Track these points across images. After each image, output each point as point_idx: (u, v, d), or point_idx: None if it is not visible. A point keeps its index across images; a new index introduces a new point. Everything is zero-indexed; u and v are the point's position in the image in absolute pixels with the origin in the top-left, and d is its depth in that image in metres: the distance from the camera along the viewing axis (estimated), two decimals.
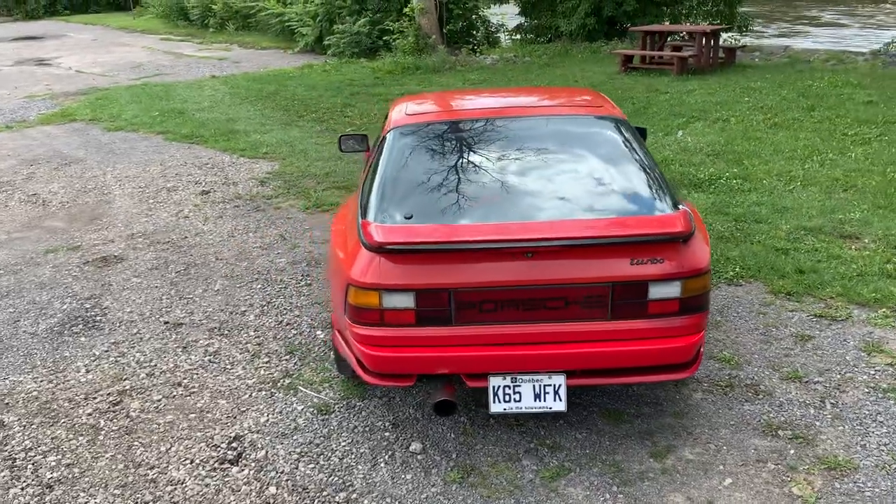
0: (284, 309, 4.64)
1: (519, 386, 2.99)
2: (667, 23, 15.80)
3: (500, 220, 3.04)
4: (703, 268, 2.90)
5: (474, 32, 16.90)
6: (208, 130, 9.46)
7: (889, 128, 7.97)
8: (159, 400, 3.68)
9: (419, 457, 3.20)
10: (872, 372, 3.64)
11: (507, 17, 18.60)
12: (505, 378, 2.99)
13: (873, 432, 3.20)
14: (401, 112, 3.90)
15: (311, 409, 3.56)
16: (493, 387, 2.99)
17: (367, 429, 3.40)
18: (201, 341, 4.27)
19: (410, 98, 4.38)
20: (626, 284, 2.86)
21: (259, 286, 5.00)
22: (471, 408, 3.49)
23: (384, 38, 16.52)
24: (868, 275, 4.60)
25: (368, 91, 12.02)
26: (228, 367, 3.99)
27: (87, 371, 3.99)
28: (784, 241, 5.13)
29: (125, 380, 3.88)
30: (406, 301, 2.90)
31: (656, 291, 2.88)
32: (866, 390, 3.50)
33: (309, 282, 5.03)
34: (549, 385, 2.99)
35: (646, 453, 3.16)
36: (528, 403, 3.00)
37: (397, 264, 2.88)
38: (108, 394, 3.75)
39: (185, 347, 4.21)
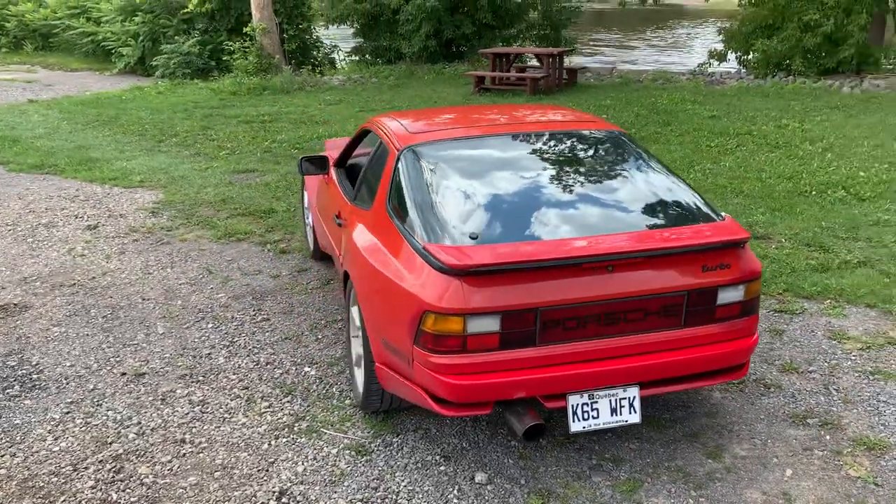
0: (254, 348, 4.26)
1: (596, 402, 2.96)
2: (500, 45, 16.47)
3: (561, 235, 3.00)
4: (760, 271, 3.04)
5: (314, 53, 16.63)
6: (61, 159, 8.53)
7: (742, 139, 8.84)
8: (170, 461, 3.23)
9: (489, 487, 3.06)
10: (852, 357, 3.99)
11: (338, 38, 18.51)
12: (582, 395, 2.94)
13: (885, 412, 3.51)
14: (401, 130, 3.75)
15: (348, 452, 3.30)
16: (572, 405, 2.94)
17: (419, 465, 3.20)
18: (178, 391, 3.82)
19: (386, 116, 4.21)
20: (700, 291, 2.93)
21: (210, 325, 4.56)
22: (504, 429, 3.39)
23: (217, 59, 15.82)
24: (799, 271, 5.05)
25: (221, 113, 11.43)
26: (227, 416, 3.59)
27: (56, 438, 3.42)
28: None
29: (112, 443, 3.37)
30: (491, 324, 2.77)
31: (724, 296, 2.97)
32: (856, 375, 3.83)
33: (266, 316, 4.66)
34: (625, 398, 2.98)
35: (701, 455, 3.24)
36: (605, 419, 2.97)
37: (482, 287, 2.75)
38: (101, 461, 3.24)
39: (163, 400, 3.73)
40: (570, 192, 3.28)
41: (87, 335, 4.45)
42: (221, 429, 3.48)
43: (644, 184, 3.37)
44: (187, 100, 12.67)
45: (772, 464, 3.18)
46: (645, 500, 2.98)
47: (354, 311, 3.69)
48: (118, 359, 4.16)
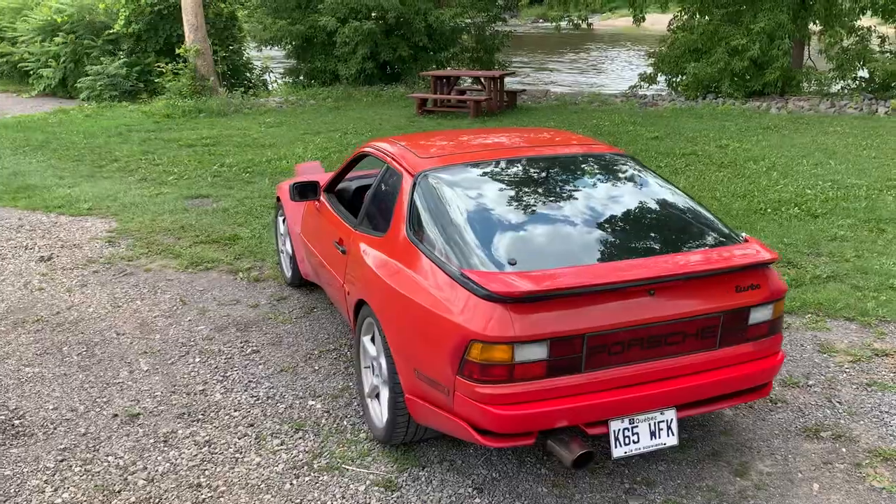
0: (249, 382, 4.09)
1: (636, 427, 2.95)
2: (434, 68, 16.55)
3: (595, 259, 3.00)
4: (785, 289, 3.11)
5: (248, 75, 16.32)
6: None
7: (689, 159, 9.12)
8: None
9: None
10: (845, 370, 4.13)
11: (268, 60, 18.24)
12: (623, 420, 2.93)
13: (890, 423, 3.63)
14: (410, 155, 3.68)
15: (376, 488, 3.18)
16: (614, 431, 2.92)
17: (452, 499, 3.12)
18: (180, 431, 3.61)
19: (384, 141, 4.14)
20: (734, 312, 2.97)
21: (197, 360, 4.35)
22: (532, 457, 3.36)
23: (146, 80, 15.35)
24: None
25: (159, 137, 11.06)
26: (238, 456, 3.41)
27: (56, 489, 3.18)
28: None
29: (121, 492, 3.15)
30: (539, 352, 2.73)
31: (755, 316, 3.02)
32: (854, 387, 3.96)
33: (255, 348, 4.48)
34: (663, 421, 2.98)
35: (729, 473, 3.28)
36: (645, 443, 2.96)
37: (530, 313, 2.71)
38: None
39: (165, 441, 3.53)
40: (595, 215, 3.28)
41: (65, 375, 4.18)
42: (236, 470, 3.31)
43: (664, 207, 3.41)
44: (119, 123, 12.21)
45: (797, 479, 3.24)
46: None
47: (367, 340, 3.59)
48: (105, 399, 3.92)
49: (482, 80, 13.01)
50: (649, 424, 2.97)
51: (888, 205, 7.00)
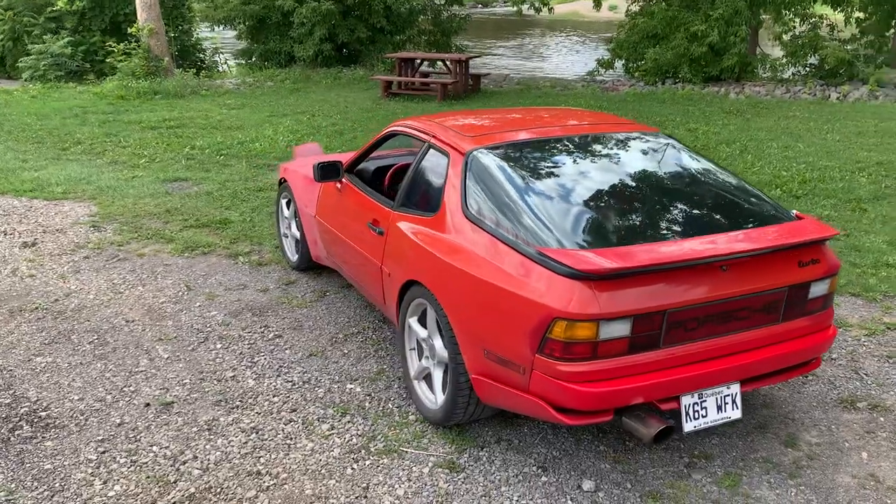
0: (280, 367, 3.98)
1: (705, 401, 2.98)
2: (391, 50, 16.37)
3: (663, 237, 3.01)
4: (839, 265, 3.19)
5: (200, 56, 15.85)
6: None
7: None
8: (255, 496, 2.94)
9: (600, 494, 3.01)
10: (864, 344, 4.26)
11: (217, 41, 17.78)
12: (693, 395, 2.96)
13: None
14: (455, 133, 3.62)
15: (440, 470, 3.14)
16: (685, 406, 2.95)
17: (519, 478, 3.10)
18: (221, 419, 3.49)
19: (416, 119, 4.07)
20: (797, 287, 3.02)
21: (218, 346, 4.21)
22: (588, 434, 3.37)
23: (92, 61, 14.76)
24: None
25: (119, 119, 10.66)
26: (290, 442, 3.32)
27: (105, 482, 3.03)
28: None
29: (176, 482, 3.03)
30: (623, 329, 2.73)
31: (814, 290, 3.09)
32: (876, 359, 4.10)
33: (277, 333, 4.37)
34: (728, 395, 3.03)
35: (779, 444, 3.35)
36: (712, 417, 3.00)
37: (614, 290, 2.71)
38: (176, 502, 2.90)
39: (209, 429, 3.40)
40: (654, 193, 3.30)
41: (82, 364, 3.99)
42: (291, 456, 3.22)
43: (718, 185, 3.45)
44: (72, 104, 11.71)
45: (845, 448, 3.33)
46: (751, 493, 3.03)
47: (413, 322, 3.53)
48: (132, 388, 3.76)
49: (448, 63, 12.93)
50: (716, 399, 3.01)
51: (863, 185, 7.27)
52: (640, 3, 14.91)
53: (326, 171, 4.24)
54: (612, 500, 2.98)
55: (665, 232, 3.05)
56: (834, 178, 7.50)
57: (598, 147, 3.65)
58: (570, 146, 3.62)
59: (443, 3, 17.54)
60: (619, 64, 15.22)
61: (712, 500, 2.99)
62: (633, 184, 3.34)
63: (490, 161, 3.35)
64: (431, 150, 3.70)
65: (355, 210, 4.16)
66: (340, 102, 12.25)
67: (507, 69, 18.28)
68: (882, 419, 3.54)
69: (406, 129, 4.03)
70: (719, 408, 3.01)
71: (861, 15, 14.45)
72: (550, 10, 15.02)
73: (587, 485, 3.05)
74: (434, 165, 3.64)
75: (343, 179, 4.36)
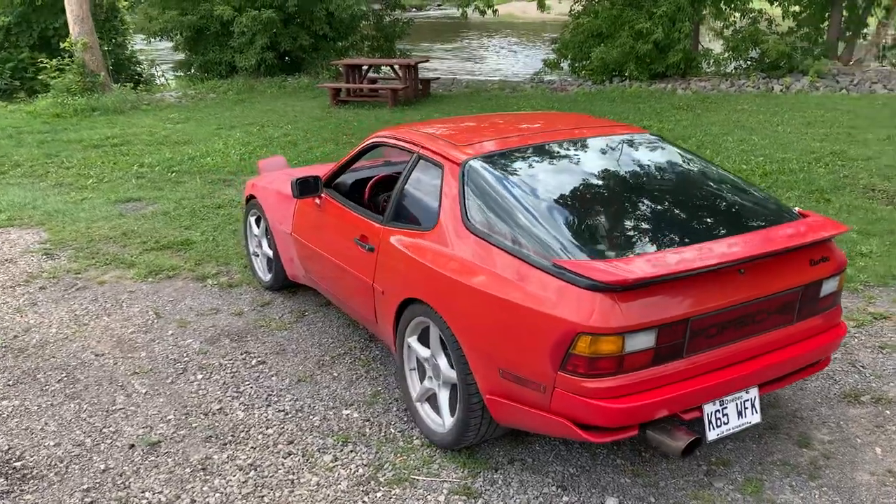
0: (269, 396, 3.78)
1: (726, 408, 2.90)
2: (335, 56, 16.11)
3: (677, 242, 2.92)
4: (847, 261, 3.16)
5: (136, 69, 15.33)
6: None
7: None
8: None
9: None
10: (855, 336, 4.27)
11: (152, 53, 17.27)
12: (714, 403, 2.88)
13: None
14: (444, 142, 3.48)
15: (457, 497, 2.99)
16: (708, 414, 2.87)
17: (540, 500, 2.97)
18: (215, 457, 3.28)
19: (398, 129, 3.92)
20: (810, 286, 2.98)
21: (199, 377, 3.98)
22: (602, 449, 3.27)
23: (21, 78, 14.16)
24: None
25: (57, 138, 10.20)
26: (294, 478, 3.13)
27: None
28: None
29: None
30: (647, 341, 2.63)
31: (825, 288, 3.04)
32: (869, 351, 4.11)
33: (259, 359, 4.15)
34: (748, 400, 2.96)
35: (793, 445, 3.31)
36: (734, 423, 2.92)
37: (638, 301, 2.60)
38: None
39: (204, 469, 3.18)
40: (659, 197, 3.22)
41: (53, 405, 3.72)
42: (298, 493, 3.03)
43: (720, 186, 3.39)
44: (4, 124, 11.15)
45: (858, 444, 3.31)
46: (775, 499, 2.97)
47: (413, 341, 3.38)
48: (112, 429, 3.51)
49: (397, 68, 12.77)
50: (737, 404, 2.93)
51: (822, 175, 7.38)
52: (584, 3, 14.99)
53: (306, 187, 4.04)
54: None
55: (680, 237, 2.96)
56: (793, 170, 7.61)
57: (595, 151, 3.55)
58: (569, 151, 3.51)
59: (384, 7, 17.36)
60: (565, 64, 15.27)
61: None
62: (634, 189, 3.26)
63: (488, 170, 3.22)
64: (422, 161, 3.55)
65: (339, 226, 3.98)
66: (289, 112, 11.97)
67: (452, 73, 18.20)
68: (888, 412, 3.53)
69: (390, 139, 3.87)
70: (740, 413, 2.94)
71: (797, 8, 14.81)
72: (495, 12, 14.95)
73: (611, 502, 2.95)
74: (426, 177, 3.50)
75: (322, 194, 4.18)
